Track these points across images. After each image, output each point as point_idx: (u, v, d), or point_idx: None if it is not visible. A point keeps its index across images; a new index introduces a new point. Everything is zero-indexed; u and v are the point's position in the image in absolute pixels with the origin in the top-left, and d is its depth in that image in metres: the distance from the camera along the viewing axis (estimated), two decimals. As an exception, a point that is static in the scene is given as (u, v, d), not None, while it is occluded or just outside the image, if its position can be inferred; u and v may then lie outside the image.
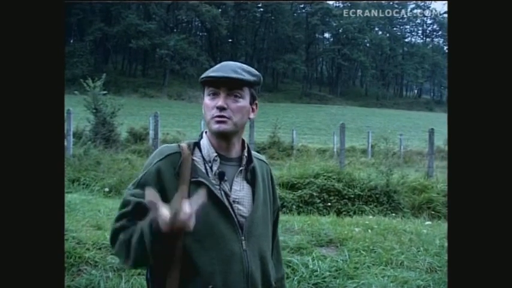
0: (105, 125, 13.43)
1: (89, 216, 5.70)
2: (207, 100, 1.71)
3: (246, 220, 1.70)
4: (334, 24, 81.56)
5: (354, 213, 7.99)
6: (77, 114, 13.27)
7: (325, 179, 8.67)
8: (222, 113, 1.66)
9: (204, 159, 1.72)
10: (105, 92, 13.70)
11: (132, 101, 42.04)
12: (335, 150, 18.63)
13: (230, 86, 1.67)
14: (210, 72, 1.69)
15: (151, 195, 1.46)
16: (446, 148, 21.56)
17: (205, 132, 1.78)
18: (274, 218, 1.92)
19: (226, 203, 1.67)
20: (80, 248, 4.45)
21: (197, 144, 1.76)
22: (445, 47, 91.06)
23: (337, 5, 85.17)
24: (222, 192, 1.68)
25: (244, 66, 1.74)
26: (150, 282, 1.71)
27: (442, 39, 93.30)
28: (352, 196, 8.45)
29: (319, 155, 12.79)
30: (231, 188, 1.71)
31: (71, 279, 4.00)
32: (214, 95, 1.69)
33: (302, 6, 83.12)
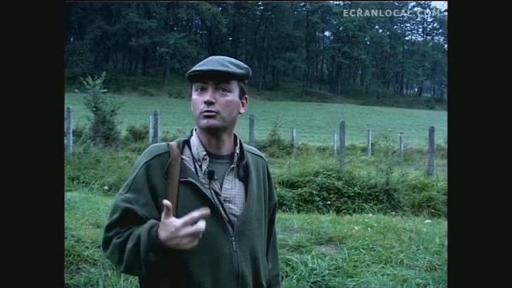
0: (105, 123, 13.44)
1: (88, 214, 5.70)
2: (195, 95, 1.66)
3: (237, 219, 1.66)
4: (335, 22, 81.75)
5: (354, 211, 7.97)
6: (77, 113, 13.26)
7: (325, 177, 8.66)
8: (210, 108, 1.61)
9: (193, 157, 1.67)
10: (105, 90, 13.70)
11: (132, 99, 42.07)
12: (335, 148, 18.62)
13: (217, 80, 1.62)
14: (196, 67, 1.64)
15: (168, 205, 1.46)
16: (446, 146, 21.56)
17: (195, 129, 1.73)
18: (270, 215, 1.87)
19: (216, 203, 1.63)
20: (79, 246, 4.45)
21: (187, 142, 1.71)
22: (446, 45, 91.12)
23: (338, 3, 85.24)
24: (212, 192, 1.64)
25: (232, 59, 1.68)
26: (141, 282, 1.69)
27: (443, 37, 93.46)
28: (352, 194, 8.44)
29: (319, 153, 12.78)
30: (221, 186, 1.66)
31: (70, 278, 4.00)
32: (202, 90, 1.64)
33: (302, 4, 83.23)
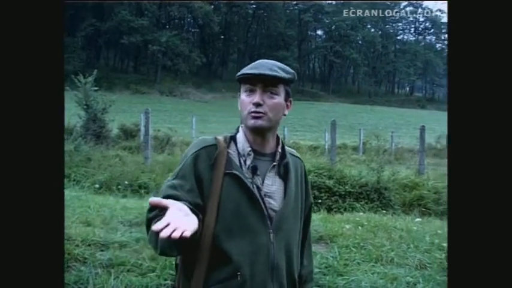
0: (96, 121, 13.35)
1: (78, 212, 5.67)
2: (243, 96, 1.77)
3: (276, 214, 1.75)
4: (327, 21, 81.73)
5: (345, 210, 7.99)
6: (68, 110, 13.11)
7: (316, 176, 8.66)
8: (258, 109, 1.72)
9: (238, 153, 1.78)
10: (96, 88, 13.62)
11: (124, 98, 41.92)
12: (326, 147, 18.63)
13: (266, 83, 1.73)
14: (246, 70, 1.76)
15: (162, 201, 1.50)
16: (437, 145, 21.67)
17: (241, 126, 1.83)
18: (306, 214, 1.97)
19: (258, 196, 1.72)
20: (69, 245, 4.43)
21: (233, 138, 1.82)
22: (438, 45, 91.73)
23: (330, 2, 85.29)
24: (254, 186, 1.74)
25: (280, 64, 1.80)
26: (179, 267, 1.76)
27: (435, 37, 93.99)
28: (343, 193, 8.45)
29: (310, 152, 12.81)
30: (263, 182, 1.77)
31: (60, 276, 3.98)
32: (251, 91, 1.75)
33: (294, 3, 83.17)
